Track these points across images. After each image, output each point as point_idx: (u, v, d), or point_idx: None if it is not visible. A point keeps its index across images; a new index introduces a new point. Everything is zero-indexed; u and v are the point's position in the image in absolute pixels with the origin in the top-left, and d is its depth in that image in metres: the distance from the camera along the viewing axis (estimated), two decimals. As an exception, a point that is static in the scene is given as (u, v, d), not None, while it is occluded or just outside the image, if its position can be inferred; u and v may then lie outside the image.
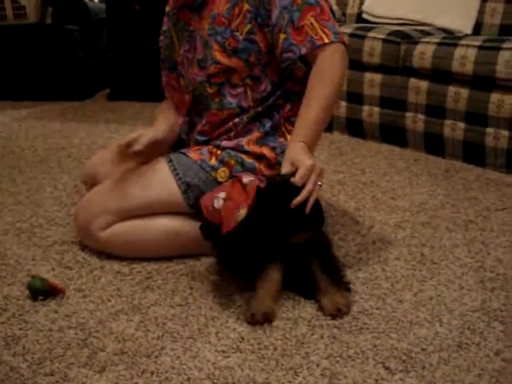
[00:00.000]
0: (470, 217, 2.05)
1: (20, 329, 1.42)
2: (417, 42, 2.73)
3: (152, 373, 1.25)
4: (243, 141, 1.73)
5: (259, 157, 1.72)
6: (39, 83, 4.07)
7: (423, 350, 1.32)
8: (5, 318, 1.46)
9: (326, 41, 1.60)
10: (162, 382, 1.23)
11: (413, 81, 2.75)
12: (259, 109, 1.74)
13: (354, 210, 2.12)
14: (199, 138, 1.80)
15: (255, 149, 1.72)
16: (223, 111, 1.75)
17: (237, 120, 1.74)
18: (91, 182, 1.95)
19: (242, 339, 1.36)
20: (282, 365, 1.27)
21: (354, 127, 3.04)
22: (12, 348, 1.35)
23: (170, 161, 1.73)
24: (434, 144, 2.72)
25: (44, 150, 2.89)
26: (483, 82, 2.49)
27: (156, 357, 1.31)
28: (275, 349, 1.33)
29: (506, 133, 2.45)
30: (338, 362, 1.28)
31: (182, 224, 1.72)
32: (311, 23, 1.60)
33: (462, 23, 3.08)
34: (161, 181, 1.72)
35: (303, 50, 1.61)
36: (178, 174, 1.71)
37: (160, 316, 1.46)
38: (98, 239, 1.72)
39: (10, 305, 1.52)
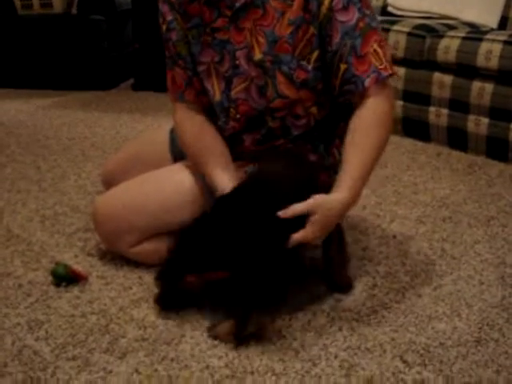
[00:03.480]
0: (492, 213, 2.04)
1: (43, 313, 1.45)
2: (442, 36, 2.71)
3: (172, 360, 1.27)
4: None
5: None
6: (64, 73, 4.11)
7: (441, 344, 1.33)
8: (29, 303, 1.49)
9: (390, 71, 1.44)
10: (181, 369, 1.25)
11: (437, 75, 2.73)
12: (314, 133, 1.57)
13: (375, 203, 2.12)
14: (245, 154, 1.61)
15: None
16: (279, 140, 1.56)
17: (290, 145, 1.57)
18: (111, 185, 1.94)
19: (262, 329, 1.38)
20: (301, 355, 1.29)
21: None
22: (35, 332, 1.38)
23: None
24: (457, 139, 2.70)
25: (68, 139, 2.93)
26: (508, 77, 2.46)
27: (176, 344, 1.33)
28: (294, 339, 1.34)
29: (530, 129, 2.44)
30: (356, 354, 1.29)
31: None
32: (375, 50, 1.43)
33: (488, 17, 3.04)
34: (198, 200, 1.59)
35: (367, 83, 1.42)
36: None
37: (180, 304, 1.48)
38: (126, 253, 1.67)
39: (33, 290, 1.55)
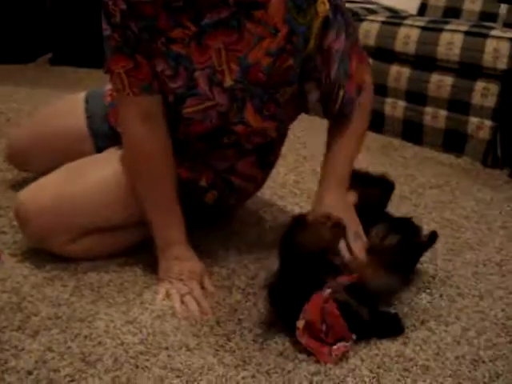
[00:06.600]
0: (406, 193, 2.10)
1: (-48, 292, 1.40)
2: (362, 20, 2.77)
3: (85, 337, 1.26)
4: (238, 164, 1.57)
5: (248, 178, 1.62)
6: (-21, 45, 3.96)
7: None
8: None
9: (367, 80, 1.51)
10: (95, 346, 1.23)
11: (357, 58, 2.78)
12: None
13: (293, 182, 2.15)
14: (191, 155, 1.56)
15: (247, 170, 1.59)
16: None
17: (237, 154, 1.56)
18: (21, 162, 1.89)
19: (177, 306, 1.38)
20: (216, 330, 1.30)
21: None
22: None
23: None
24: (374, 120, 2.76)
25: (-19, 113, 2.82)
26: (425, 62, 2.54)
27: (90, 321, 1.31)
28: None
29: (444, 112, 2.53)
30: (269, 329, 1.31)
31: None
32: (357, 68, 1.46)
33: (408, 3, 3.14)
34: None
35: (354, 99, 1.48)
36: None
37: (95, 281, 1.46)
38: (60, 252, 1.52)
39: None
